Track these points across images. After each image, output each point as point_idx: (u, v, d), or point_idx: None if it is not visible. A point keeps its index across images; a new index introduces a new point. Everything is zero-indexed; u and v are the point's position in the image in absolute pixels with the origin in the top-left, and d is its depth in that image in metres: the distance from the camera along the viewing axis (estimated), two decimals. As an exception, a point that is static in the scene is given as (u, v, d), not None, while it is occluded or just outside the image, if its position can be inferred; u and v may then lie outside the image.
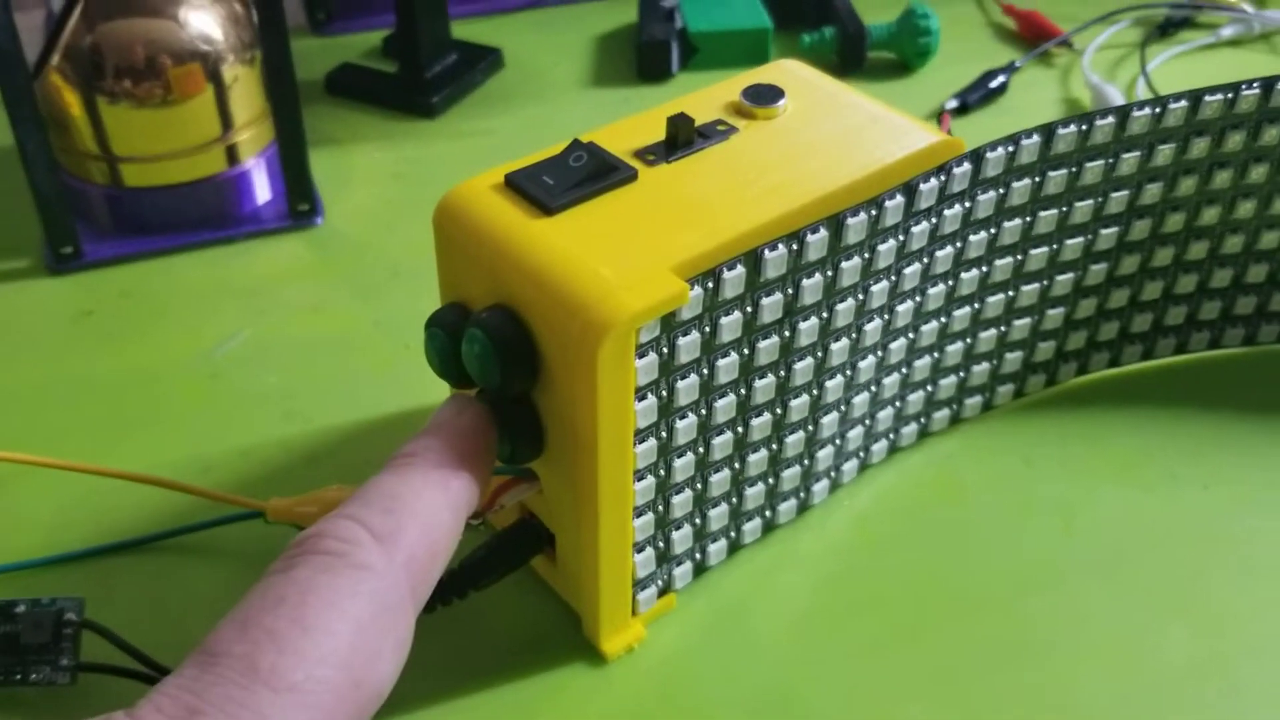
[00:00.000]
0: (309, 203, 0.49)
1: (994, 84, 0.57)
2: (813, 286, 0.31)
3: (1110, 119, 0.35)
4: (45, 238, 0.47)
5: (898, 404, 0.38)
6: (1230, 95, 0.36)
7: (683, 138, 0.32)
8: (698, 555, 0.35)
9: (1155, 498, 0.38)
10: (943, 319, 0.37)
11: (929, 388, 0.38)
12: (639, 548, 0.33)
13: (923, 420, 0.39)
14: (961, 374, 0.39)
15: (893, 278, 0.34)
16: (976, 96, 0.56)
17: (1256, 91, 0.36)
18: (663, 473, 0.32)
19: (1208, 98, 0.36)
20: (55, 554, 0.35)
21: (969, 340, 0.38)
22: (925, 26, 0.58)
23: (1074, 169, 0.36)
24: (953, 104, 0.56)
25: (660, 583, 0.34)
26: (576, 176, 0.31)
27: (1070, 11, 0.64)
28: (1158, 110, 0.36)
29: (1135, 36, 0.62)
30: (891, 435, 0.39)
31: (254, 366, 0.43)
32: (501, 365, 0.29)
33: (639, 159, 0.32)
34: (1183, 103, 0.36)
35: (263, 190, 0.50)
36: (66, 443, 0.40)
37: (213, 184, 0.49)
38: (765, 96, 0.34)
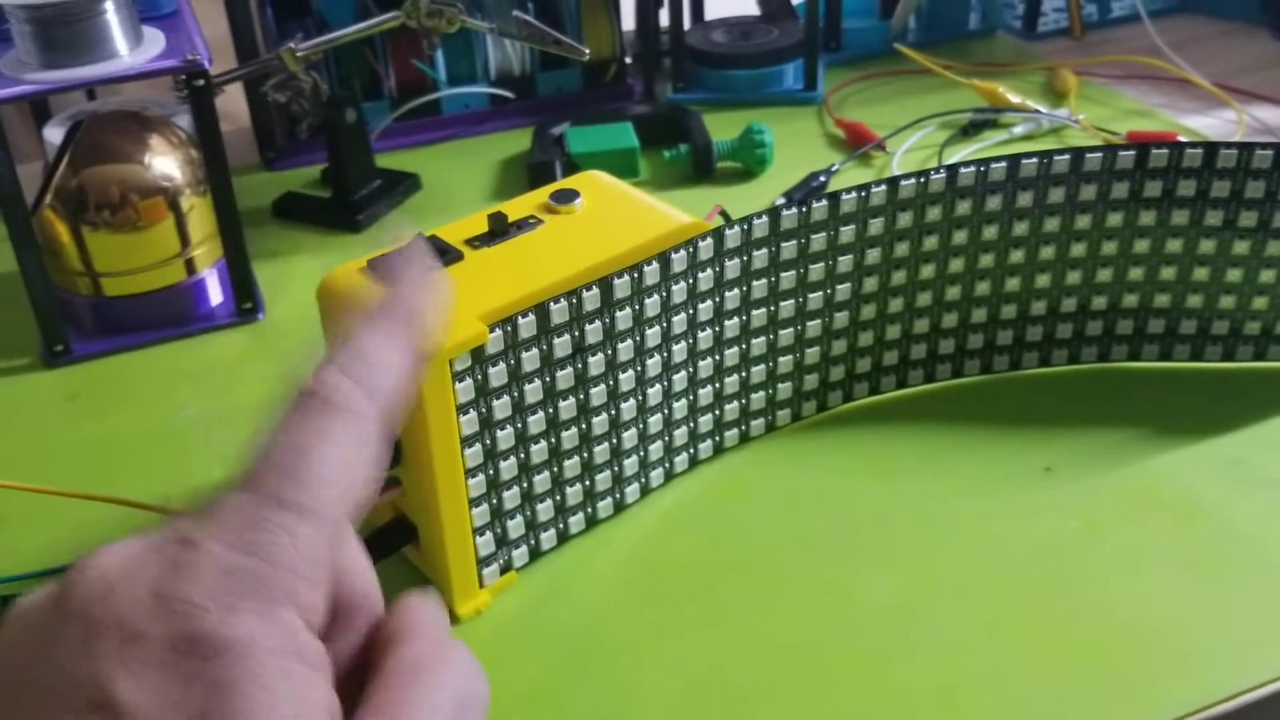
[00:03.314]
0: (252, 302, 0.62)
1: (815, 184, 0.70)
2: (594, 330, 0.43)
3: (824, 202, 0.47)
4: (41, 339, 0.59)
5: (691, 424, 0.49)
6: (922, 180, 0.49)
7: (498, 229, 0.45)
8: (532, 541, 0.46)
9: (888, 486, 0.49)
10: (716, 357, 0.48)
11: (716, 412, 0.50)
12: (479, 532, 0.44)
13: (717, 438, 0.51)
14: (742, 401, 0.50)
15: (663, 325, 0.46)
16: (800, 194, 0.69)
17: (942, 175, 0.49)
18: (491, 472, 0.43)
19: (903, 182, 0.48)
20: (47, 567, 0.47)
21: (743, 374, 0.50)
22: (760, 140, 0.71)
23: (802, 240, 0.48)
24: (781, 201, 0.69)
25: (501, 562, 0.45)
26: (417, 259, 0.43)
27: (895, 121, 0.77)
28: (864, 194, 0.48)
29: (942, 138, 0.75)
30: (691, 450, 0.50)
31: (204, 427, 0.54)
32: (361, 393, 0.40)
33: (468, 245, 0.44)
34: (883, 187, 0.48)
35: (215, 294, 0.63)
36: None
37: (175, 290, 0.61)
38: (564, 197, 0.46)
